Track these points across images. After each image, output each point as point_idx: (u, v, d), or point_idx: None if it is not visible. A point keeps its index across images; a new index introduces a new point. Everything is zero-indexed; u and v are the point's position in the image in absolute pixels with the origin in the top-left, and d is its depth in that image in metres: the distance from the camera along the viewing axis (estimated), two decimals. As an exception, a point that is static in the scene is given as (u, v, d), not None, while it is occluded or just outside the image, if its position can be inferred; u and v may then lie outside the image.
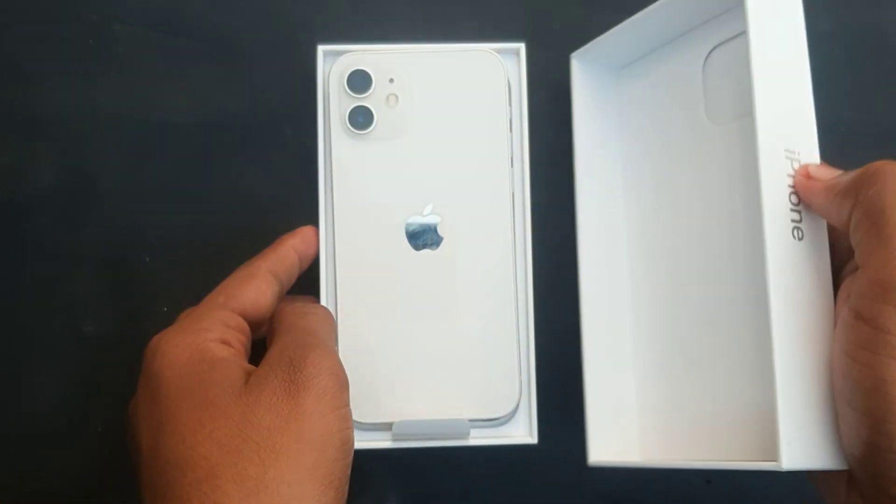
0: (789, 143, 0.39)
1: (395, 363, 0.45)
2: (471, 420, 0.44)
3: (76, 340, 0.49)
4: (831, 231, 0.40)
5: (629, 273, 0.48)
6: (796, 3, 0.41)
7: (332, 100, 0.45)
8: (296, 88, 0.49)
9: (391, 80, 0.45)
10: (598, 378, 0.46)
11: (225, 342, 0.39)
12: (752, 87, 0.38)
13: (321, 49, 0.45)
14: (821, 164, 0.39)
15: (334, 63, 0.45)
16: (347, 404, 0.38)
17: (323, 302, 0.45)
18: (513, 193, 0.45)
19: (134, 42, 0.50)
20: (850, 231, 0.37)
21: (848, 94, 0.51)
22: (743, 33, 0.39)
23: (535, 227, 0.45)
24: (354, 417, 0.44)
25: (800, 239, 0.38)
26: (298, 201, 0.46)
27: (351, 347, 0.45)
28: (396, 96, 0.45)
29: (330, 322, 0.43)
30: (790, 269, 0.38)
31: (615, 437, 0.47)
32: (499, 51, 0.46)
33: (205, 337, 0.39)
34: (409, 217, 0.45)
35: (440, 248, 0.45)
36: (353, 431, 0.38)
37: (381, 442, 0.44)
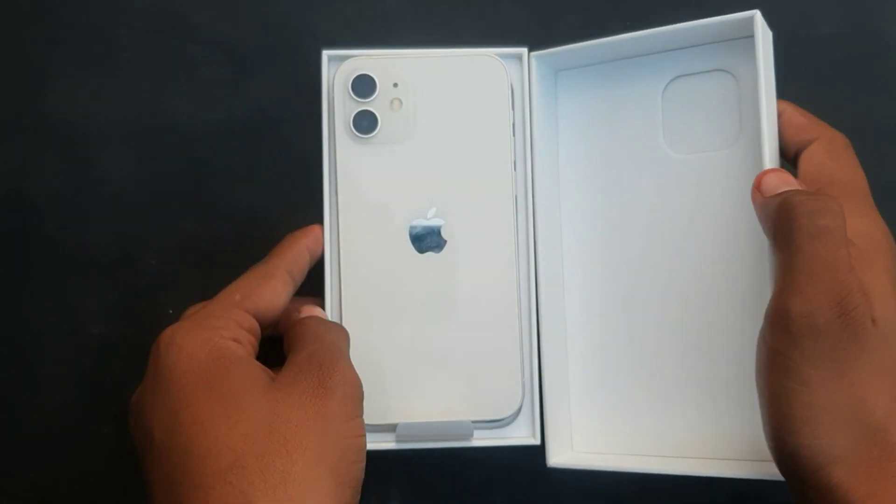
0: None
1: (399, 365, 0.45)
2: (474, 421, 0.44)
3: (83, 341, 0.49)
4: None
5: (583, 277, 0.49)
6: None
7: (337, 104, 0.45)
8: (300, 93, 0.49)
9: (395, 85, 0.46)
10: (556, 380, 0.46)
11: (237, 342, 0.40)
12: (763, 129, 0.42)
13: (325, 54, 0.46)
14: (778, 172, 0.41)
15: (339, 67, 0.46)
16: (363, 414, 0.39)
17: (327, 304, 0.45)
18: (515, 197, 0.46)
19: (141, 47, 0.51)
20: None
21: (848, 98, 0.51)
22: (707, 71, 0.46)
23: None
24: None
25: None
26: (303, 205, 0.46)
27: (355, 349, 0.45)
28: (400, 100, 0.46)
29: (347, 338, 0.43)
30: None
31: (580, 438, 0.47)
32: (501, 55, 0.46)
33: (220, 334, 0.39)
34: (413, 220, 0.45)
35: (443, 251, 0.45)
36: (366, 440, 0.39)
37: (386, 443, 0.45)
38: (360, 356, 0.45)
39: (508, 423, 0.45)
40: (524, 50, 0.46)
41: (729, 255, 0.45)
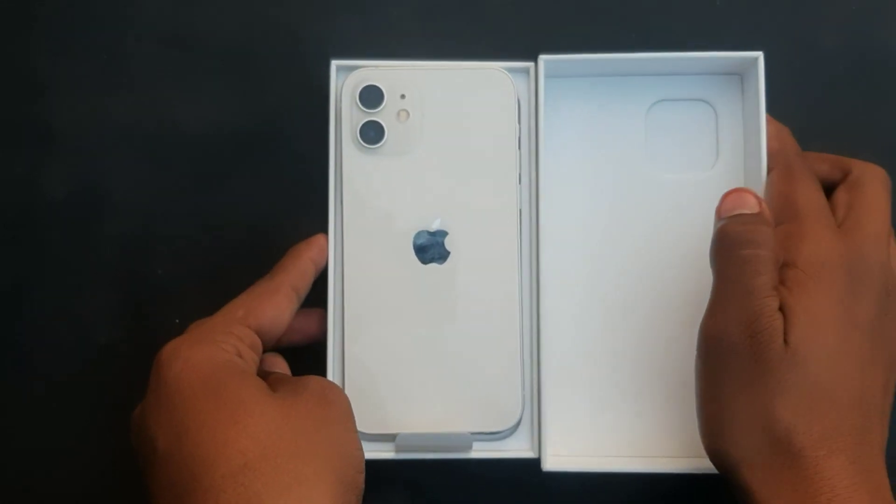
0: None
1: (400, 375, 0.45)
2: (473, 433, 0.45)
3: (88, 351, 0.49)
4: None
5: (569, 289, 0.49)
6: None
7: (344, 114, 0.46)
8: (307, 103, 0.49)
9: (402, 96, 0.46)
10: (555, 392, 0.47)
11: (240, 357, 0.40)
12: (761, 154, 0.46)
13: (334, 64, 0.46)
14: (738, 193, 0.43)
15: (347, 78, 0.46)
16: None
17: (330, 313, 0.45)
18: (520, 210, 0.46)
19: (148, 57, 0.51)
20: None
21: (852, 111, 0.51)
22: (688, 99, 0.49)
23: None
24: (359, 428, 0.44)
25: None
26: (309, 214, 0.47)
27: (357, 358, 0.45)
28: (407, 112, 0.46)
29: None
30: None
31: (577, 444, 0.48)
32: (509, 69, 0.46)
33: (222, 348, 0.39)
34: (417, 231, 0.45)
35: (447, 262, 0.45)
36: (364, 455, 0.40)
37: (385, 452, 0.45)
38: (362, 365, 0.45)
39: (507, 436, 0.45)
40: (531, 64, 0.46)
41: (708, 275, 0.46)
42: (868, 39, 0.51)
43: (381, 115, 0.46)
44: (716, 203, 0.47)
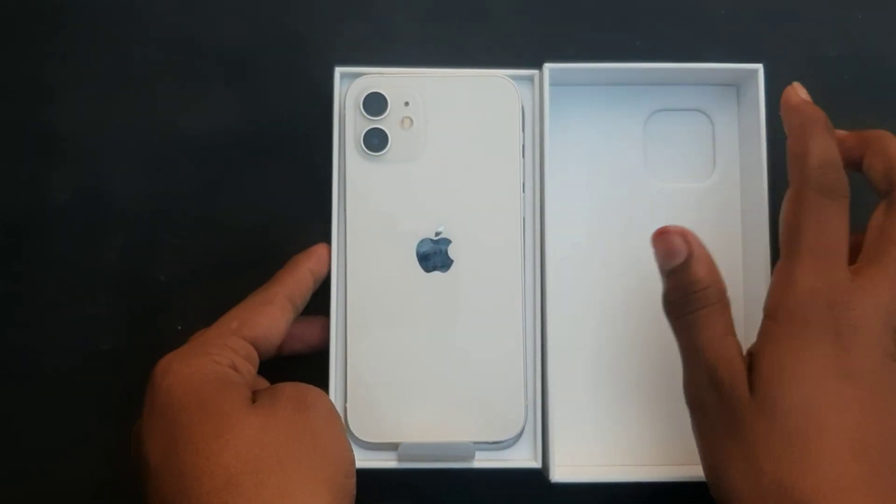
0: None
1: (403, 384, 0.45)
2: (475, 443, 0.44)
3: (91, 358, 0.49)
4: None
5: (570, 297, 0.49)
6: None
7: (348, 121, 0.46)
8: (311, 110, 0.49)
9: (406, 104, 0.46)
10: (559, 402, 0.46)
11: (234, 368, 0.40)
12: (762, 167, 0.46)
13: (338, 71, 0.46)
14: (669, 238, 0.42)
15: (350, 85, 0.46)
16: (346, 432, 0.40)
17: (332, 320, 0.45)
18: (524, 219, 0.46)
19: (152, 62, 0.51)
20: None
21: (856, 121, 0.51)
22: (685, 110, 0.49)
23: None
24: (361, 437, 0.44)
25: None
26: (312, 221, 0.47)
27: (360, 367, 0.45)
28: (411, 119, 0.46)
29: None
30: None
31: (583, 454, 0.48)
32: (514, 77, 0.46)
33: (214, 360, 0.39)
34: (420, 239, 0.45)
35: (450, 270, 0.45)
36: (354, 457, 0.39)
37: (387, 462, 0.45)
38: (364, 373, 0.45)
39: (510, 446, 0.45)
40: (535, 72, 0.46)
41: None
42: (873, 49, 0.52)
43: (385, 123, 0.46)
44: (712, 213, 0.49)
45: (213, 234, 0.50)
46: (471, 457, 0.44)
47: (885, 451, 0.37)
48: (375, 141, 0.45)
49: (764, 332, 0.40)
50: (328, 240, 0.45)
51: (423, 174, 0.46)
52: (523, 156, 0.46)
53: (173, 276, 0.49)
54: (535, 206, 0.46)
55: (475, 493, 0.49)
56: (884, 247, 0.40)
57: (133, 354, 0.48)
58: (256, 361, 0.42)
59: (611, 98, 0.50)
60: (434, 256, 0.45)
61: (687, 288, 0.41)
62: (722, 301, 0.41)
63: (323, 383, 0.44)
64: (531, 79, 0.47)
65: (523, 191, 0.46)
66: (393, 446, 0.44)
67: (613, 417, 0.48)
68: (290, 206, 0.50)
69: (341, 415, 0.45)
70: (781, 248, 0.41)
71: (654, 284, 0.48)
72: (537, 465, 0.45)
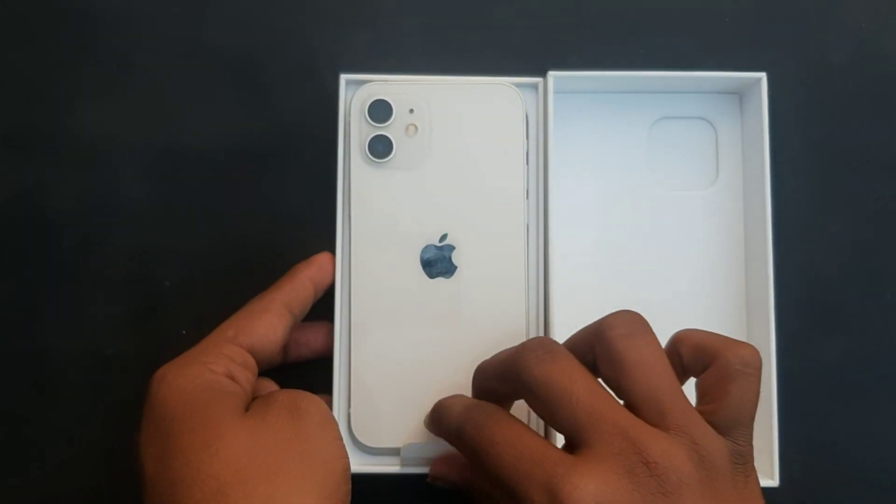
0: None
1: (406, 389, 0.45)
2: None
3: (96, 362, 0.49)
4: None
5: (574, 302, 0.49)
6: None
7: (353, 128, 0.46)
8: (316, 116, 0.50)
9: (411, 111, 0.46)
10: None
11: (230, 377, 0.40)
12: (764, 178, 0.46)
13: (343, 78, 0.46)
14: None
15: (356, 92, 0.46)
16: (342, 437, 0.39)
17: (336, 326, 0.45)
18: (527, 225, 0.46)
19: (157, 68, 0.51)
20: None
21: (860, 129, 0.51)
22: (689, 118, 0.50)
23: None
24: (365, 442, 0.45)
25: None
26: (317, 227, 0.47)
27: (363, 372, 0.45)
28: (416, 126, 0.46)
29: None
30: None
31: None
32: (518, 84, 0.47)
33: (210, 369, 0.39)
34: (425, 245, 0.46)
35: (454, 276, 0.46)
36: (349, 462, 0.38)
37: (390, 466, 0.45)
38: (368, 378, 0.45)
39: (513, 450, 0.45)
40: (540, 80, 0.47)
41: (708, 291, 0.49)
42: (877, 58, 0.52)
43: (390, 130, 0.46)
44: (716, 220, 0.49)
45: (218, 239, 0.50)
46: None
47: None
48: (380, 148, 0.46)
49: None
50: (332, 246, 0.45)
51: (427, 181, 0.46)
52: (527, 163, 0.46)
53: (178, 281, 0.49)
54: (539, 213, 0.46)
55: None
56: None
57: (137, 359, 0.49)
58: (255, 368, 0.42)
59: (614, 106, 0.50)
60: (438, 263, 0.46)
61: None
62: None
63: (326, 388, 0.45)
64: (535, 86, 0.47)
65: (527, 198, 0.46)
66: (396, 451, 0.45)
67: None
68: (296, 211, 0.50)
69: (344, 420, 0.45)
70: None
71: (659, 292, 0.48)
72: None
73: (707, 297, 0.49)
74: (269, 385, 0.44)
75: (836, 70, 0.52)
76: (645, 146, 0.50)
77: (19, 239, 0.50)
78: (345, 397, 0.45)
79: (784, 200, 0.49)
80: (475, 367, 0.42)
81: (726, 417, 0.36)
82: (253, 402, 0.39)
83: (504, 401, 0.41)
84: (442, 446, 0.44)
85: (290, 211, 0.50)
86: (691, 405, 0.36)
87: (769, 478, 0.45)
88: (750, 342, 0.47)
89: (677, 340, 0.39)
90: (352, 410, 0.45)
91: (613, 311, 0.39)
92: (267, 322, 0.42)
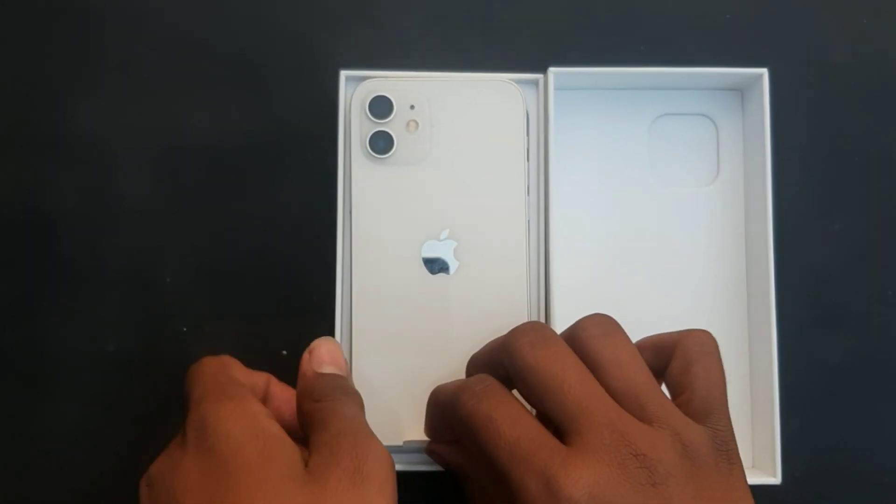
0: None
1: (408, 386, 0.45)
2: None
3: (98, 359, 0.49)
4: None
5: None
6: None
7: (353, 124, 0.46)
8: (316, 113, 0.50)
9: (412, 107, 0.46)
10: None
11: (270, 416, 0.37)
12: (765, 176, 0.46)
13: (343, 74, 0.46)
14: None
15: (356, 88, 0.46)
16: (396, 491, 0.37)
17: (337, 323, 0.45)
18: (528, 221, 0.46)
19: (158, 66, 0.51)
20: None
21: (862, 126, 0.51)
22: (690, 114, 0.50)
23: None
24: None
25: None
26: (318, 224, 0.47)
27: (365, 370, 0.45)
28: (417, 122, 0.46)
29: (361, 402, 0.40)
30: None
31: None
32: (518, 81, 0.47)
33: (253, 409, 0.37)
34: (426, 241, 0.46)
35: (455, 272, 0.45)
36: None
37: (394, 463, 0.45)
38: (370, 376, 0.45)
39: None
40: (540, 76, 0.47)
41: (708, 288, 0.49)
42: (879, 55, 0.52)
43: (391, 126, 0.46)
44: (717, 217, 0.49)
45: (219, 235, 0.50)
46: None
47: None
48: (381, 144, 0.46)
49: None
50: (334, 241, 0.45)
51: (428, 177, 0.46)
52: (528, 159, 0.46)
53: (180, 278, 0.49)
54: (540, 209, 0.46)
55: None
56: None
57: (138, 356, 0.49)
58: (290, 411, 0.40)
59: (615, 102, 0.50)
60: (439, 259, 0.46)
61: None
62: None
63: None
64: (536, 83, 0.47)
65: (528, 194, 0.46)
66: (397, 448, 0.45)
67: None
68: (297, 208, 0.50)
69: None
70: None
71: (659, 289, 0.48)
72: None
73: (708, 295, 0.49)
74: (324, 345, 0.42)
75: (838, 66, 0.52)
76: (646, 143, 0.50)
77: (19, 237, 0.50)
78: (342, 350, 0.45)
79: (785, 197, 0.49)
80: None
81: (699, 403, 0.37)
82: (312, 456, 0.36)
83: None
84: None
85: (292, 208, 0.50)
86: (668, 399, 0.37)
87: (771, 475, 0.45)
88: (751, 339, 0.48)
89: (639, 348, 0.39)
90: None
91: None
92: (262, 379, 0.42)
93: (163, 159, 0.50)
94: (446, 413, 0.39)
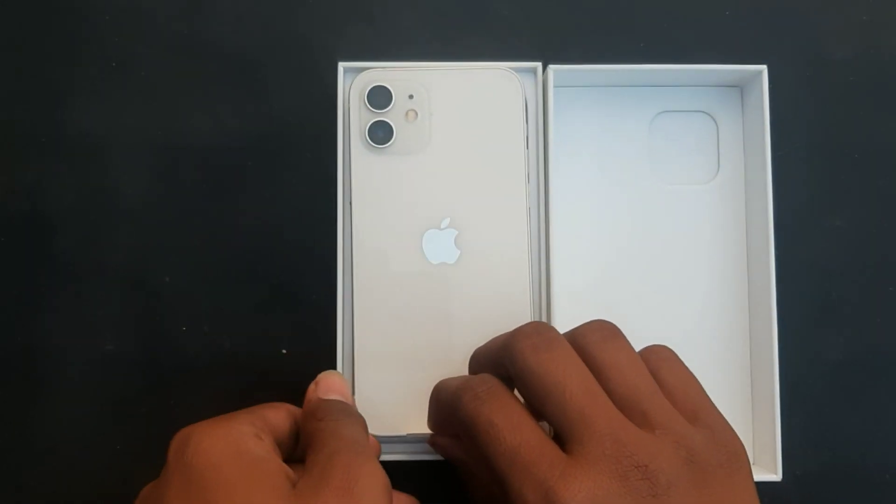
0: None
1: (411, 375, 0.45)
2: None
3: (96, 358, 0.49)
4: None
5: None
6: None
7: (352, 115, 0.46)
8: (316, 109, 0.50)
9: (411, 97, 0.46)
10: None
11: (258, 438, 0.36)
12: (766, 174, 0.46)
13: (342, 66, 0.46)
14: None
15: (355, 79, 0.46)
16: None
17: (339, 312, 0.45)
18: (528, 209, 0.46)
19: (156, 64, 0.51)
20: None
21: (861, 123, 0.52)
22: (690, 111, 0.50)
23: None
24: (369, 429, 0.44)
25: None
26: (318, 218, 0.47)
27: (367, 359, 0.45)
28: (416, 112, 0.46)
29: (366, 427, 0.40)
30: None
31: None
32: (516, 69, 0.47)
33: (238, 430, 0.36)
34: (427, 230, 0.45)
35: (457, 261, 0.45)
36: None
37: (396, 455, 0.45)
38: (372, 365, 0.45)
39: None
40: (538, 64, 0.47)
41: (708, 284, 0.49)
42: (878, 51, 0.52)
43: (390, 116, 0.46)
44: (717, 214, 0.49)
45: (218, 233, 0.49)
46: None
47: None
48: (380, 133, 0.46)
49: None
50: (334, 232, 0.45)
51: (428, 166, 0.46)
52: (527, 147, 0.46)
53: (178, 277, 0.49)
54: (540, 197, 0.46)
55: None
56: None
57: (137, 355, 0.48)
58: (276, 434, 0.39)
59: (615, 100, 0.50)
60: (440, 247, 0.45)
61: None
62: None
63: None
64: (533, 71, 0.47)
65: (528, 181, 0.46)
66: (400, 439, 0.44)
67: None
68: (297, 204, 0.49)
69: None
70: None
71: (659, 286, 0.48)
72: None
73: (708, 291, 0.49)
74: (330, 378, 0.42)
75: (837, 62, 0.52)
76: (645, 140, 0.50)
77: (18, 237, 0.50)
78: (349, 383, 0.45)
79: (785, 194, 0.49)
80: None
81: (681, 404, 0.37)
82: (304, 476, 0.35)
83: None
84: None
85: (292, 204, 0.50)
86: (669, 403, 0.36)
87: (772, 472, 0.45)
88: (752, 337, 0.48)
89: None
90: (355, 397, 0.45)
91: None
92: (274, 408, 0.40)
93: (161, 157, 0.50)
94: (448, 411, 0.39)
